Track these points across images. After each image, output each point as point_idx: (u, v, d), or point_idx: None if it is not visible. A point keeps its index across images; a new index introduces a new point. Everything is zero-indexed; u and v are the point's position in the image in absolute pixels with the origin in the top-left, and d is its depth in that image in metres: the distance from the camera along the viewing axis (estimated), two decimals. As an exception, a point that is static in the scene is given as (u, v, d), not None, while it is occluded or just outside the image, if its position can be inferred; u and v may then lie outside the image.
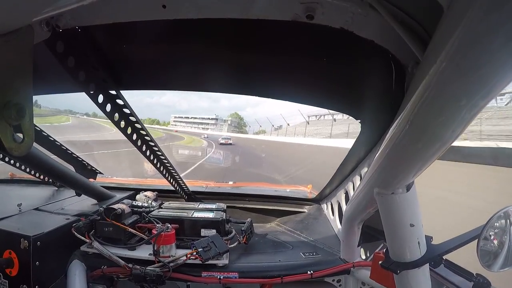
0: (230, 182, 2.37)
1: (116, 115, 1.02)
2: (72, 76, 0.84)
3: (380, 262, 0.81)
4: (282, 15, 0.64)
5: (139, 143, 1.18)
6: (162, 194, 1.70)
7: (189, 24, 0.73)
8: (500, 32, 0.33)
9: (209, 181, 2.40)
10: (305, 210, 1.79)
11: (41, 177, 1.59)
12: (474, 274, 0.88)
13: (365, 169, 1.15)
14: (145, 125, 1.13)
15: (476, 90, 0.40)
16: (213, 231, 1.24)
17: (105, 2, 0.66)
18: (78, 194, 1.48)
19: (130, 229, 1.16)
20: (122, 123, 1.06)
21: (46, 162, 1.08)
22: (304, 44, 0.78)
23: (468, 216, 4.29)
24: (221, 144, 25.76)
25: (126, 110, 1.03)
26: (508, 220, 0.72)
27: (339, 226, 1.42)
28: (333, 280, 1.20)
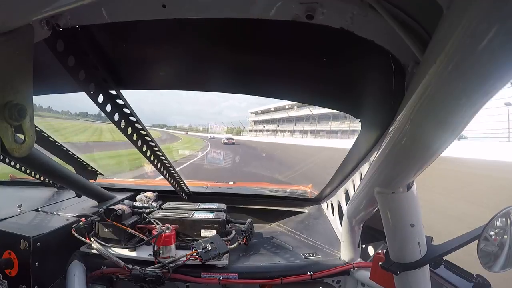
0: (231, 182, 2.37)
1: (116, 115, 1.02)
2: (72, 75, 0.84)
3: (380, 263, 0.81)
4: (282, 15, 0.64)
5: (139, 143, 1.18)
6: (162, 195, 1.70)
7: (189, 24, 0.73)
8: (500, 32, 0.33)
9: (210, 181, 2.40)
10: (306, 210, 1.79)
11: (41, 178, 1.59)
12: (474, 275, 0.88)
13: (366, 169, 1.15)
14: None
15: (476, 89, 0.40)
16: (213, 232, 1.24)
17: (105, 1, 0.66)
18: (78, 195, 1.48)
19: (130, 230, 1.16)
20: (123, 123, 1.06)
21: (46, 163, 1.08)
22: (304, 44, 0.78)
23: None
24: (225, 143, 26.04)
25: (126, 110, 1.03)
26: (508, 221, 0.71)
27: (339, 226, 1.41)
28: (333, 281, 1.20)
